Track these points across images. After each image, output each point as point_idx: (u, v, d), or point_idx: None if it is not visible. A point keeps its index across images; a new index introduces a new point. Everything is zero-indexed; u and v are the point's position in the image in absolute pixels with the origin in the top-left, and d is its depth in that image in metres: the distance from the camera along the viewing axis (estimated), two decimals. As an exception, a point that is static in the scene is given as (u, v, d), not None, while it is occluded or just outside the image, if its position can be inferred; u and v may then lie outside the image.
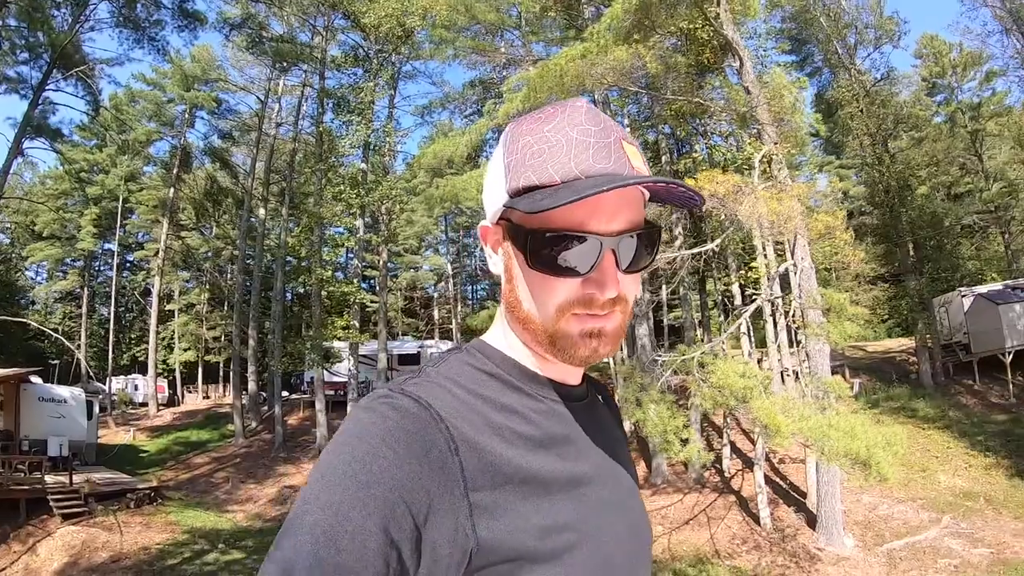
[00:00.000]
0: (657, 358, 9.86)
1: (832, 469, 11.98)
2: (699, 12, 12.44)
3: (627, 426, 19.63)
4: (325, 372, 21.73)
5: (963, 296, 22.65)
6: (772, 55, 25.65)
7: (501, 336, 0.79)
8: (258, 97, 28.27)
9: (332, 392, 23.28)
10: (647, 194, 0.73)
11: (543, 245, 0.67)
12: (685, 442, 9.40)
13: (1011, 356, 19.67)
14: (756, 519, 13.84)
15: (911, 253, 23.28)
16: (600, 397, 0.89)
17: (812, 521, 13.31)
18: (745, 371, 8.29)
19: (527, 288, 0.71)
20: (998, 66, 28.27)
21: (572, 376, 0.79)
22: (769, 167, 12.67)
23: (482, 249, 0.79)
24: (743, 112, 12.76)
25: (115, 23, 20.73)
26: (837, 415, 8.38)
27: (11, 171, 18.98)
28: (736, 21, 14.07)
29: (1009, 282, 24.01)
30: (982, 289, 23.04)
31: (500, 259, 0.76)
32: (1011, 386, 19.63)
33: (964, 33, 28.93)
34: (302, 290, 30.27)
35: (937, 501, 13.92)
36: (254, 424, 25.09)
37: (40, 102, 19.37)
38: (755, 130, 13.47)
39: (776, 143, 12.17)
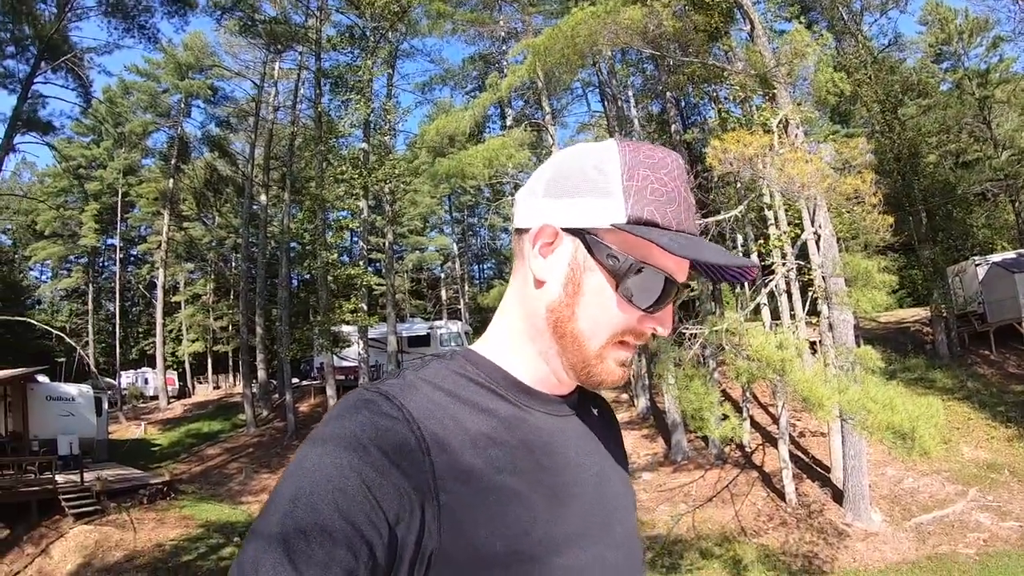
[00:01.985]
0: (685, 330, 9.53)
1: (858, 442, 11.75)
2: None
3: (642, 403, 19.70)
4: (335, 357, 21.45)
5: (977, 265, 22.38)
6: (777, 22, 25.11)
7: (497, 344, 0.79)
8: (254, 82, 27.83)
9: (343, 377, 23.07)
10: None
11: (639, 276, 0.71)
12: (725, 417, 9.11)
13: (1028, 325, 19.39)
14: (781, 495, 13.63)
15: (923, 222, 22.94)
16: (594, 408, 0.87)
17: (838, 496, 13.09)
18: (782, 342, 7.98)
19: (593, 308, 0.72)
20: (1005, 31, 27.73)
21: (564, 387, 0.79)
22: (786, 132, 12.31)
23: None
24: (763, 73, 12.32)
25: (103, 11, 20.23)
26: (875, 387, 8.07)
27: (4, 168, 18.60)
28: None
29: (1023, 250, 23.72)
30: (996, 258, 22.74)
31: (555, 264, 0.74)
32: (1030, 355, 19.39)
33: None
34: (308, 275, 29.98)
35: (962, 473, 13.70)
36: (265, 412, 24.95)
37: (29, 96, 18.94)
38: (771, 94, 13.06)
39: (799, 104, 11.77)
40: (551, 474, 0.72)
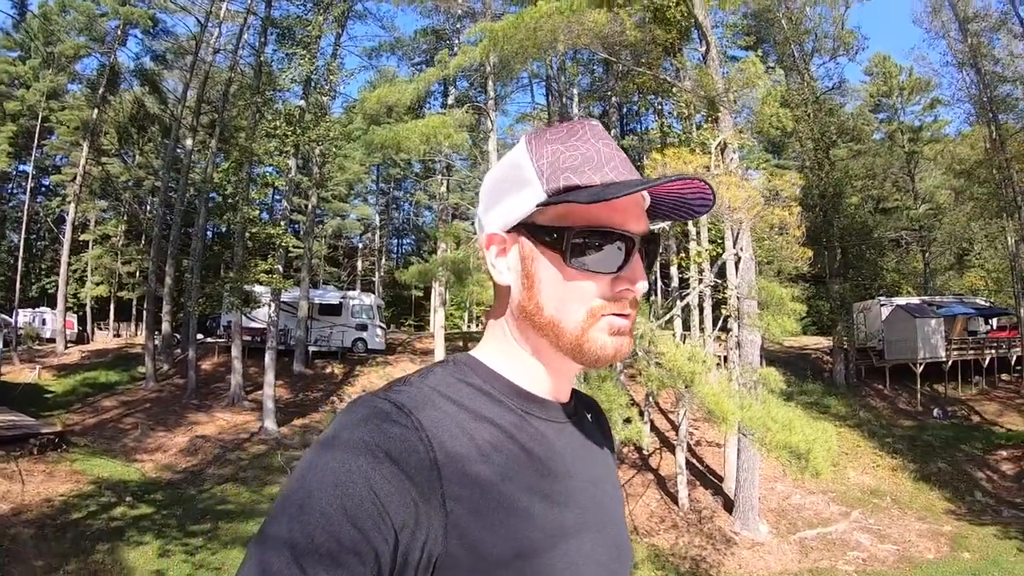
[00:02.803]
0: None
1: (752, 457, 12.35)
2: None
3: None
4: (244, 317, 20.61)
5: (882, 305, 23.91)
6: (732, 48, 25.92)
7: (494, 351, 0.79)
8: (198, 19, 26.24)
9: (250, 338, 22.26)
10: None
11: (586, 242, 0.71)
12: (628, 421, 9.36)
13: (922, 367, 20.89)
14: (674, 499, 14.16)
15: (837, 257, 24.23)
16: (588, 414, 0.88)
17: (728, 505, 13.73)
18: (693, 355, 8.26)
19: (555, 290, 0.73)
20: (944, 95, 29.58)
21: (562, 393, 0.81)
22: (722, 155, 12.73)
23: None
24: (712, 95, 12.66)
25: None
26: (776, 407, 8.48)
27: None
28: (707, 6, 13.99)
29: (926, 298, 25.52)
30: (901, 301, 24.39)
31: (510, 266, 0.77)
32: (919, 395, 20.86)
33: (918, 59, 30.13)
34: (225, 229, 28.77)
35: (847, 496, 14.63)
36: (166, 367, 23.81)
37: None
38: (714, 116, 13.45)
39: (740, 130, 12.16)
40: (549, 481, 0.72)
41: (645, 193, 0.76)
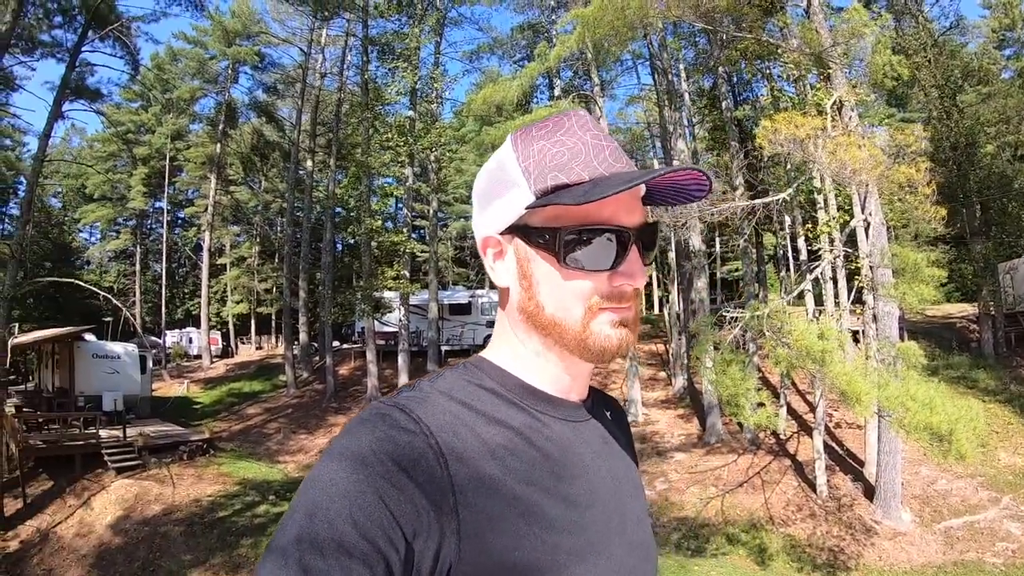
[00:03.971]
0: (727, 313, 9.44)
1: (894, 439, 11.53)
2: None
3: (680, 382, 19.59)
4: (376, 322, 21.71)
5: (1031, 264, 21.58)
6: (835, 0, 24.24)
7: (504, 352, 0.79)
8: (301, 49, 27.99)
9: (383, 342, 23.41)
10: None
11: (578, 240, 0.70)
12: (760, 405, 9.04)
13: (1079, 329, 18.67)
14: (812, 486, 13.49)
15: (977, 215, 22.13)
16: (607, 411, 0.88)
17: (869, 492, 12.91)
18: (823, 332, 7.85)
19: (553, 290, 0.73)
20: (1074, 20, 26.22)
21: (578, 391, 0.80)
22: (839, 114, 11.96)
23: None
24: (819, 52, 11.95)
25: (149, -22, 20.52)
26: (915, 384, 7.90)
27: (53, 134, 19.15)
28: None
29: (1080, 252, 22.74)
30: (1051, 257, 21.88)
31: (508, 267, 0.77)
32: (1079, 363, 18.68)
33: None
34: (352, 240, 30.33)
35: (997, 480, 13.34)
36: (306, 374, 25.47)
37: (77, 64, 19.23)
38: (825, 74, 12.67)
39: (854, 85, 11.40)
40: (567, 483, 0.71)
41: (641, 185, 0.74)
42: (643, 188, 0.77)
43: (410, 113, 21.75)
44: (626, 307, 0.74)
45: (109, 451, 14.64)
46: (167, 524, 12.40)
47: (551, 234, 0.71)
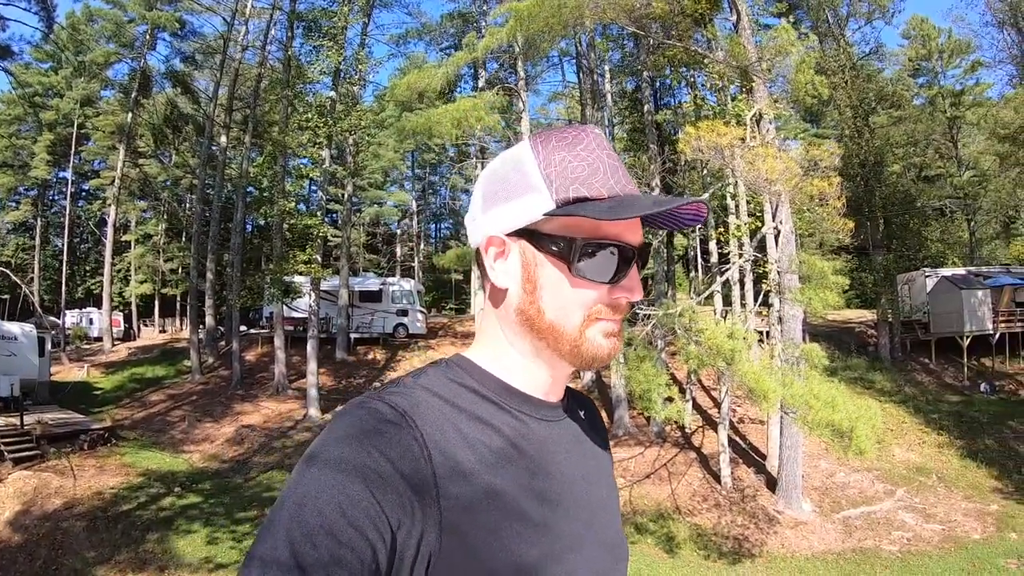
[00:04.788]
0: (639, 310, 9.60)
1: (795, 434, 12.11)
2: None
3: (588, 376, 19.88)
4: (285, 307, 21.03)
5: (927, 276, 23.16)
6: (764, 16, 25.18)
7: (487, 352, 0.80)
8: (224, 18, 26.68)
9: (292, 328, 22.72)
10: None
11: (590, 252, 0.73)
12: (669, 400, 9.23)
13: (968, 340, 20.19)
14: (716, 477, 14.00)
15: (880, 228, 23.52)
16: (581, 411, 0.88)
17: (771, 483, 13.53)
18: (733, 332, 8.09)
19: (557, 297, 0.75)
20: (985, 57, 28.37)
21: (556, 392, 0.82)
22: (758, 126, 12.39)
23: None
24: (744, 65, 12.32)
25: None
26: (818, 384, 8.27)
27: None
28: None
29: (972, 268, 24.59)
30: (947, 272, 23.53)
31: (510, 269, 0.77)
32: (966, 369, 20.19)
33: (956, 20, 28.90)
34: (263, 222, 29.24)
35: (892, 474, 14.26)
36: (211, 360, 24.45)
37: None
38: (748, 86, 13.10)
39: (775, 100, 11.82)
40: (544, 481, 0.73)
41: None
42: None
43: (331, 94, 21.12)
44: (618, 319, 0.77)
45: (5, 440, 13.66)
46: (69, 519, 11.65)
47: (566, 242, 0.73)
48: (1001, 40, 23.66)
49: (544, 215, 0.73)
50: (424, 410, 0.69)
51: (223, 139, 25.48)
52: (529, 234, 0.76)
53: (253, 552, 0.60)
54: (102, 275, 32.27)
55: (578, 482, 0.78)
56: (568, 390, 0.87)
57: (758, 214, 13.65)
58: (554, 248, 0.74)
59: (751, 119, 12.02)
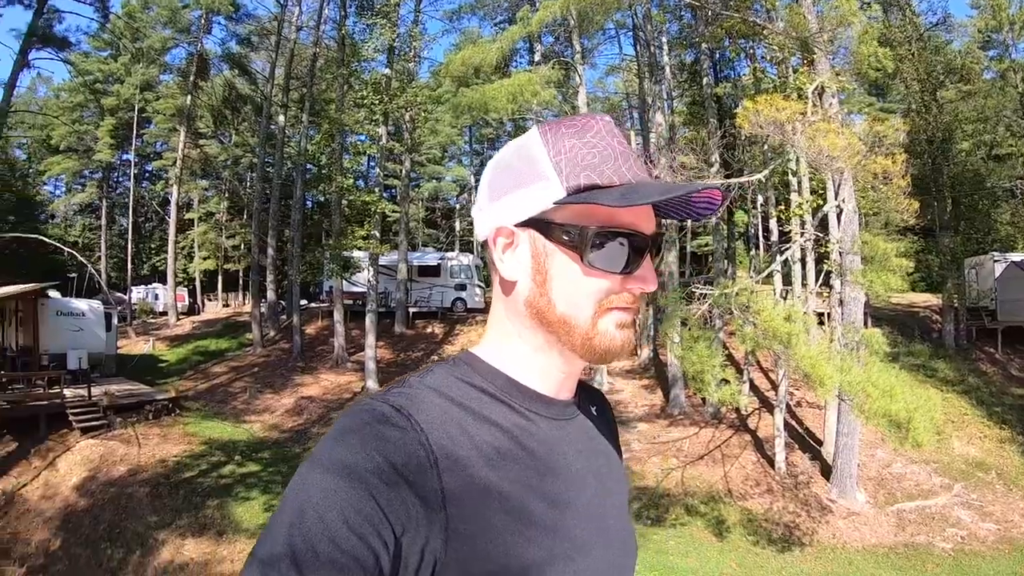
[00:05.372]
0: (696, 289, 9.47)
1: (852, 422, 11.78)
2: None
3: (646, 353, 19.78)
4: (344, 282, 21.41)
5: (996, 261, 22.09)
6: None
7: (497, 348, 0.78)
8: (277, 0, 27.09)
9: (351, 302, 23.18)
10: None
11: (603, 241, 0.71)
12: (725, 382, 9.12)
13: (1037, 330, 19.24)
14: (771, 462, 13.78)
15: (947, 209, 22.51)
16: (593, 407, 0.87)
17: (826, 471, 13.23)
18: (790, 314, 7.91)
19: (569, 288, 0.72)
20: (1062, 27, 26.56)
21: (567, 389, 0.80)
22: (820, 100, 11.96)
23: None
24: (804, 37, 11.88)
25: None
26: (876, 371, 8.02)
27: (19, 84, 18.36)
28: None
29: (1044, 254, 23.33)
30: (1016, 257, 22.39)
31: (520, 260, 0.75)
32: (1034, 361, 19.26)
33: None
34: (322, 199, 29.88)
35: (950, 467, 13.76)
36: (272, 333, 25.21)
37: (45, 11, 18.42)
38: (809, 59, 12.64)
39: (837, 73, 11.38)
40: (552, 482, 0.72)
41: None
42: None
43: (386, 71, 21.22)
44: (633, 309, 0.75)
45: (74, 411, 14.31)
46: (132, 485, 12.26)
47: (578, 231, 0.71)
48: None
49: (555, 203, 0.71)
50: (429, 411, 0.68)
51: (281, 118, 26.02)
52: (539, 224, 0.73)
53: (254, 556, 0.59)
54: (166, 252, 33.51)
55: (589, 482, 0.77)
56: (580, 384, 0.85)
57: (821, 192, 13.23)
58: (565, 237, 0.72)
59: (813, 93, 11.58)
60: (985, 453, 14.55)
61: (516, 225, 0.75)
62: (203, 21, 31.67)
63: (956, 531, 11.47)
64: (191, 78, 31.99)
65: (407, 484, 0.62)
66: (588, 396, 0.88)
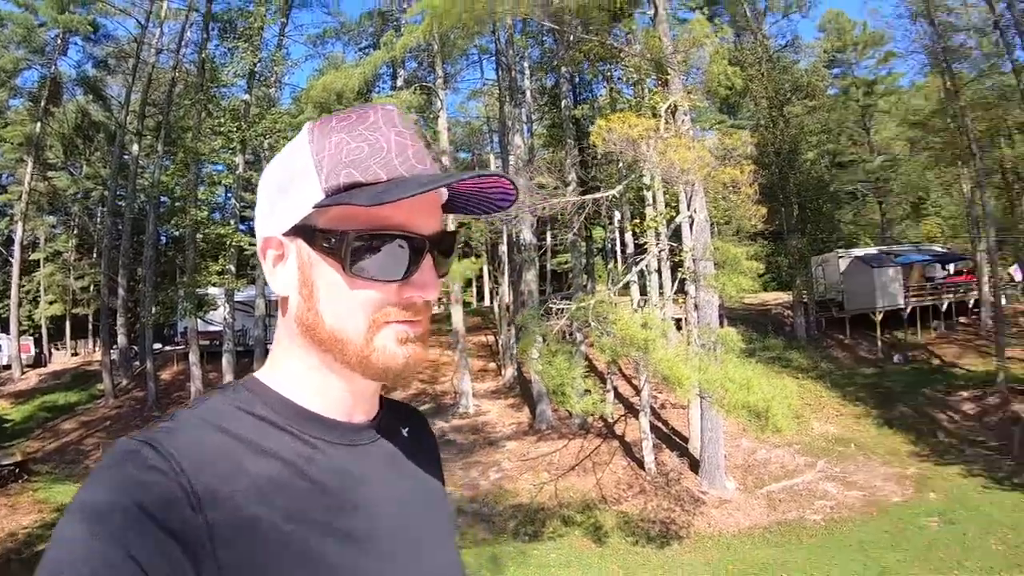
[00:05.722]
0: (553, 305, 9.69)
1: (715, 416, 12.48)
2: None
3: (510, 372, 19.96)
4: (200, 321, 20.35)
5: (840, 257, 24.33)
6: (682, 11, 25.92)
7: (280, 371, 0.70)
8: (138, 21, 25.56)
9: (208, 342, 22.13)
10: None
11: (368, 247, 0.64)
12: (587, 392, 9.34)
13: (881, 316, 21.33)
14: (641, 464, 14.28)
15: (795, 213, 24.51)
16: (404, 427, 0.79)
17: (695, 465, 13.91)
18: (646, 321, 8.25)
19: (335, 301, 0.65)
20: (898, 48, 29.88)
21: (364, 411, 0.73)
22: (673, 117, 12.68)
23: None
24: (659, 58, 12.59)
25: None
26: (733, 367, 8.52)
27: None
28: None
29: (883, 248, 26.00)
30: (859, 252, 24.81)
31: (288, 274, 0.68)
32: (879, 343, 21.31)
33: (871, 14, 30.39)
34: (176, 233, 28.23)
35: (812, 447, 14.88)
36: (125, 381, 23.39)
37: None
38: (664, 79, 13.41)
39: (689, 92, 12.12)
40: (346, 516, 0.65)
41: (442, 190, 0.69)
42: (445, 194, 0.70)
43: (246, 97, 20.52)
44: (416, 321, 0.67)
45: (-89, 480, 12.65)
46: (-19, 564, 10.94)
47: (337, 237, 0.64)
48: (914, 31, 24.90)
49: (314, 207, 0.64)
50: (196, 449, 0.60)
51: (135, 147, 24.50)
52: (303, 231, 0.66)
53: None
54: (9, 298, 30.28)
55: (393, 511, 0.70)
56: (389, 404, 0.78)
57: (674, 204, 13.98)
58: (326, 245, 0.64)
59: (666, 111, 12.26)
60: (843, 429, 15.86)
61: (284, 235, 0.67)
62: (59, 41, 29.22)
63: (824, 503, 12.39)
64: (42, 103, 29.34)
65: (168, 534, 0.54)
66: (397, 416, 0.80)
